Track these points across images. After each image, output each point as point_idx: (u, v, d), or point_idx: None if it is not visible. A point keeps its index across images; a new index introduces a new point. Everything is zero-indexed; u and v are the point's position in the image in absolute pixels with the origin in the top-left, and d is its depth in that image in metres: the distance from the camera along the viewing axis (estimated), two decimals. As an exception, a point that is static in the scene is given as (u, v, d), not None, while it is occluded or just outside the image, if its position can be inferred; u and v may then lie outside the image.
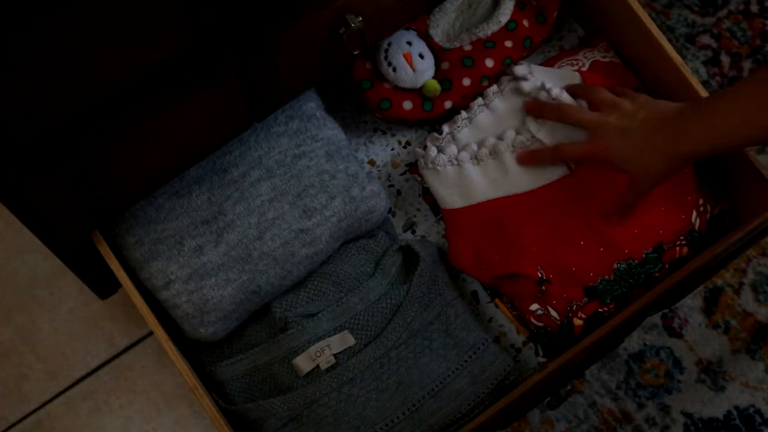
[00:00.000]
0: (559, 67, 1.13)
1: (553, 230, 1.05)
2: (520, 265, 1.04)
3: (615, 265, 1.04)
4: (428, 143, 1.10)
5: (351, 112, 1.18)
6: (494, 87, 1.11)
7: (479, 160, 1.06)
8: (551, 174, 1.06)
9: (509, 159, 1.06)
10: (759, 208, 1.04)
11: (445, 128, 1.10)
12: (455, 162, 1.07)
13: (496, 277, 1.07)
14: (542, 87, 1.06)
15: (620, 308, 1.04)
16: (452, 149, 1.07)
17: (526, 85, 1.08)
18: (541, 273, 1.04)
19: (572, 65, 1.13)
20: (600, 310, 1.03)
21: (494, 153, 1.06)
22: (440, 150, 1.08)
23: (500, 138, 1.07)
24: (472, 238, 1.07)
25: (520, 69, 1.10)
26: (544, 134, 1.05)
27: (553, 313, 1.04)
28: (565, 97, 1.06)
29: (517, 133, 1.06)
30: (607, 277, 1.04)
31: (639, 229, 1.05)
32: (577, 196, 1.06)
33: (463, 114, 1.10)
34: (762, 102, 0.91)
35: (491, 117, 1.09)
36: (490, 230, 1.06)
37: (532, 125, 1.06)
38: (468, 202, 1.07)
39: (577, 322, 1.03)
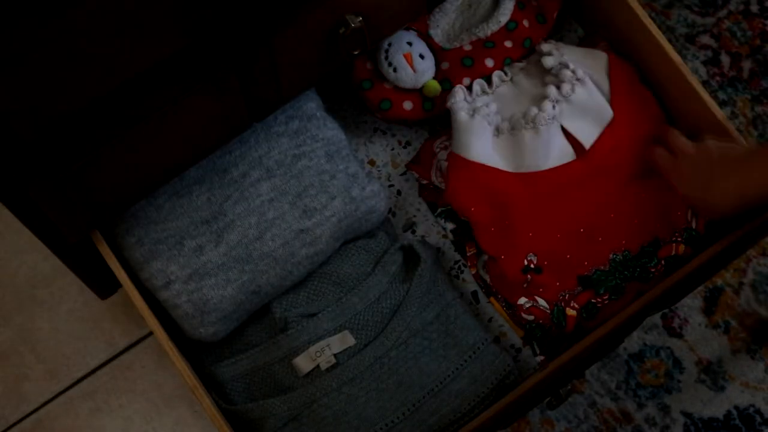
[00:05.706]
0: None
1: (553, 215, 1.05)
2: (510, 250, 1.04)
3: (611, 256, 1.04)
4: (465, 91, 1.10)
5: (351, 112, 1.18)
6: (520, 63, 1.13)
7: (500, 132, 1.07)
8: (560, 157, 1.07)
9: (525, 136, 1.06)
10: (759, 208, 1.04)
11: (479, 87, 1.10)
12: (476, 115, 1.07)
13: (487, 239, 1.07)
14: (565, 65, 1.08)
15: (614, 300, 1.03)
16: (491, 108, 1.08)
17: (549, 61, 1.09)
18: (529, 261, 1.04)
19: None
20: (593, 300, 1.03)
21: (514, 129, 1.07)
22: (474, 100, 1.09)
23: (524, 114, 1.07)
24: (472, 189, 1.07)
25: (545, 46, 1.11)
26: (563, 107, 1.07)
27: (542, 302, 1.04)
28: (588, 82, 1.08)
29: (539, 109, 1.07)
30: (602, 268, 1.04)
31: (639, 219, 1.05)
32: (583, 181, 1.06)
33: (495, 80, 1.11)
34: None
35: (514, 91, 1.11)
36: (489, 196, 1.06)
37: (550, 97, 1.07)
38: (478, 159, 1.07)
39: (570, 312, 1.03)
